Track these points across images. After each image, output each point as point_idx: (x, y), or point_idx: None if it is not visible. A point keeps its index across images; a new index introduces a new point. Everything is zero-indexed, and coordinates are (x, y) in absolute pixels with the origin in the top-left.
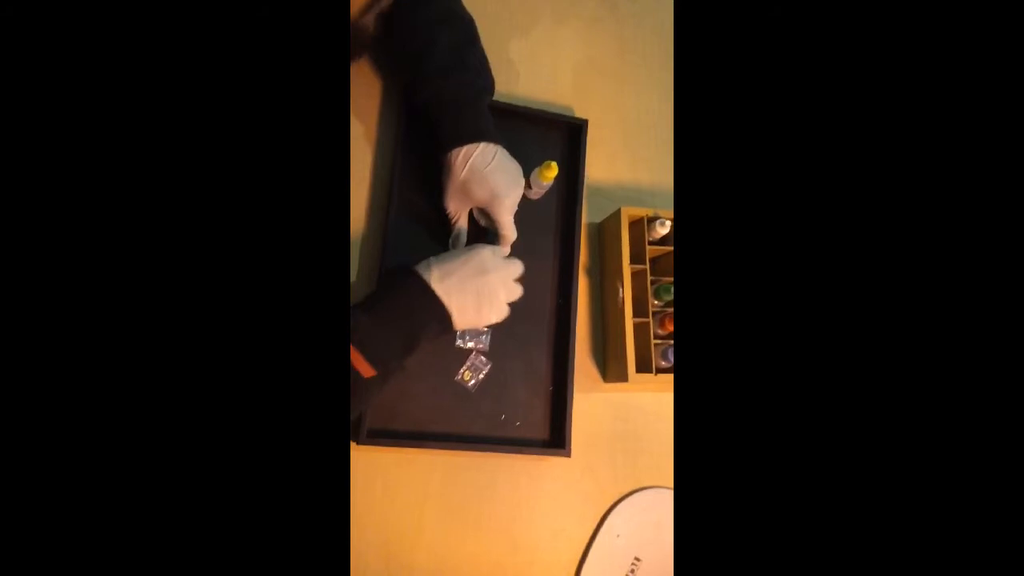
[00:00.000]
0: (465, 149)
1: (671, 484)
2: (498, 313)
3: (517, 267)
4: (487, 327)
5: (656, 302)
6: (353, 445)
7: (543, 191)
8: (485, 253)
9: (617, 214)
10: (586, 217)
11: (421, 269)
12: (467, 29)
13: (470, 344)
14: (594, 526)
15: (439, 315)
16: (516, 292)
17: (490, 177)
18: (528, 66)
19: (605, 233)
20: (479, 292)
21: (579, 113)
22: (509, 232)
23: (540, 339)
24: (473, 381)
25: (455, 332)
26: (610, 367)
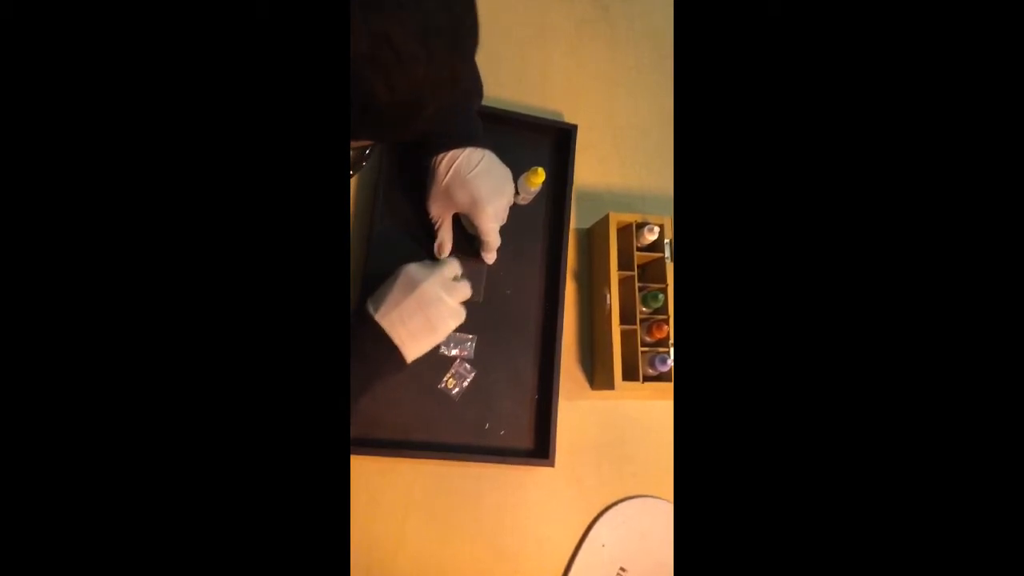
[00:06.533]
0: (450, 154)
1: (657, 493)
2: (454, 316)
3: (451, 266)
4: (470, 336)
5: (644, 309)
6: None
7: (531, 197)
8: (410, 267)
9: (605, 219)
10: (575, 222)
11: (369, 308)
12: None
13: (454, 351)
14: (579, 535)
15: (389, 354)
16: (463, 290)
17: (472, 183)
18: (518, 70)
19: (593, 238)
20: (421, 303)
21: (569, 117)
22: (492, 239)
23: (526, 346)
24: (457, 389)
25: (407, 365)
26: (597, 374)
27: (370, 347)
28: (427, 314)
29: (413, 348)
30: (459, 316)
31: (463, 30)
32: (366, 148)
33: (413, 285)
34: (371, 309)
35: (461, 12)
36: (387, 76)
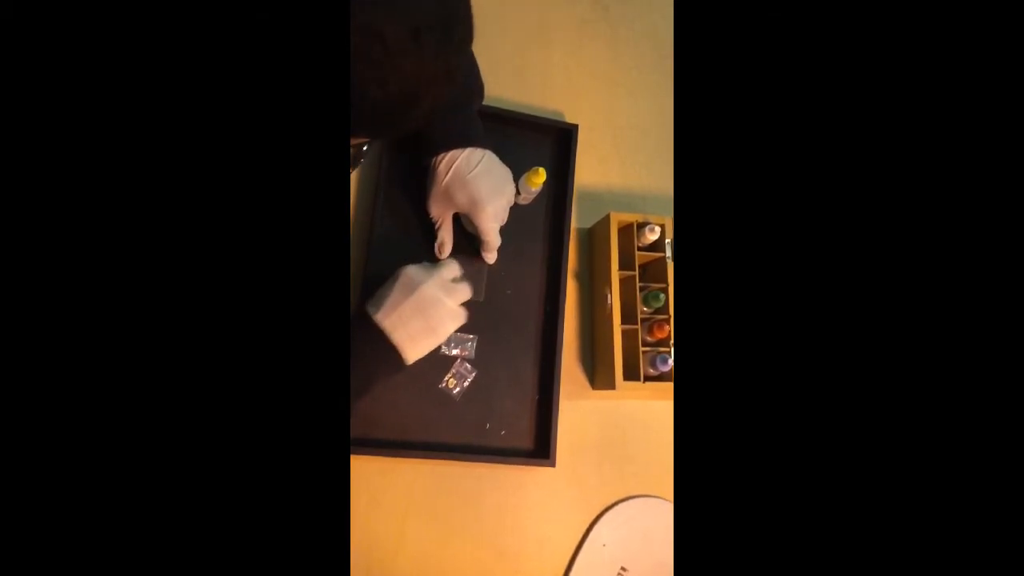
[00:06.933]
0: (450, 154)
1: (658, 493)
2: (453, 318)
3: (451, 267)
4: (471, 336)
5: (645, 309)
6: None
7: (532, 197)
8: (409, 269)
9: (606, 219)
10: (576, 222)
11: (368, 310)
12: None
13: (455, 351)
14: (580, 535)
15: (388, 355)
16: (463, 292)
17: (472, 183)
18: (519, 70)
19: (594, 238)
20: (420, 306)
21: (570, 116)
22: (492, 239)
23: (527, 346)
24: (458, 389)
25: (406, 365)
26: (598, 374)
27: (369, 348)
28: (427, 316)
29: (413, 350)
30: (459, 318)
31: (455, 24)
32: (363, 145)
33: (412, 287)
34: (371, 310)
35: (453, 5)
36: (377, 71)
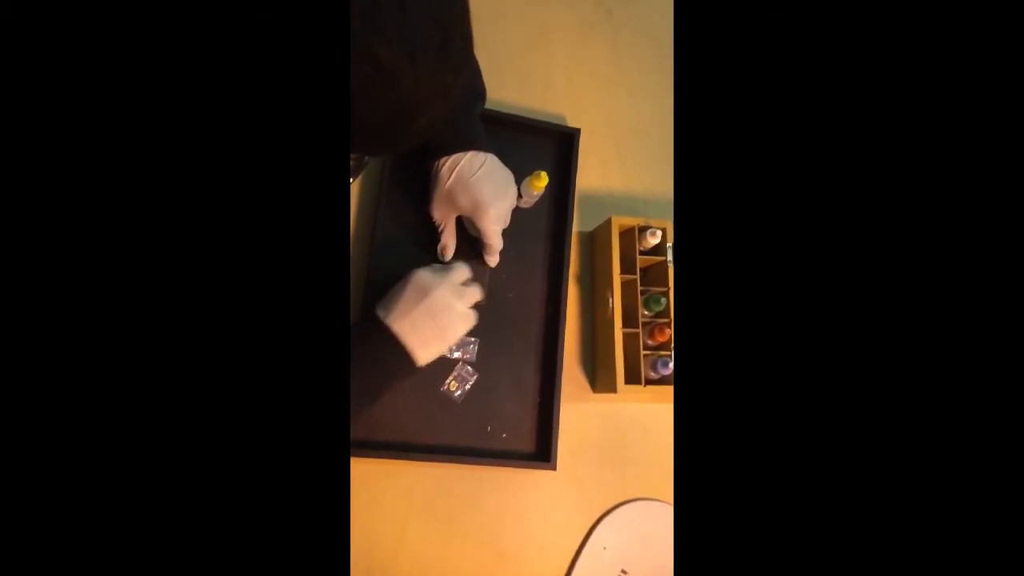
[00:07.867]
0: (453, 157)
1: (659, 496)
2: (464, 321)
3: (461, 271)
4: (472, 338)
5: (646, 312)
6: None
7: (534, 200)
8: (421, 273)
9: (608, 223)
10: (577, 225)
11: (379, 313)
12: None
13: (456, 354)
14: (581, 538)
15: (401, 358)
16: (473, 295)
17: (474, 186)
18: (521, 73)
19: (596, 242)
20: (431, 311)
21: (571, 119)
22: (495, 242)
23: (528, 350)
24: (459, 392)
25: (419, 368)
26: (599, 377)
27: (380, 351)
28: (438, 321)
29: (424, 353)
30: (470, 321)
31: (452, 44)
32: (363, 156)
33: (425, 292)
34: (381, 313)
35: (450, 25)
36: (369, 91)
